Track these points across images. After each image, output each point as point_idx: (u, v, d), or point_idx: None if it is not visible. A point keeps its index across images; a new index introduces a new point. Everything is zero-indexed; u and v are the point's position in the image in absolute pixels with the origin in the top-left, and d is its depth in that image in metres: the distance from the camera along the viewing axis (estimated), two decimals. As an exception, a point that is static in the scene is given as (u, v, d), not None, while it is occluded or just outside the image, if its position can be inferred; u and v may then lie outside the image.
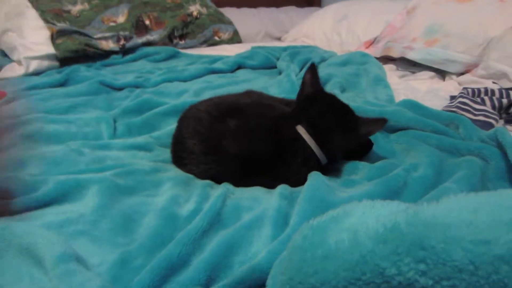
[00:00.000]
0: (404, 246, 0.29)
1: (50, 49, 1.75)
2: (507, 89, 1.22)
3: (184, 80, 1.60)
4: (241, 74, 1.73)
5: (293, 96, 1.27)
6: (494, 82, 1.34)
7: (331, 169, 0.85)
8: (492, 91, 1.22)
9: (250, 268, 0.51)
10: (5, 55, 1.82)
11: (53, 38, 1.77)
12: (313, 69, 0.86)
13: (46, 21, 1.82)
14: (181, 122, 0.90)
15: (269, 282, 0.41)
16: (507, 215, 0.28)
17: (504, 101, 1.14)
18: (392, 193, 0.74)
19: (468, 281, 0.26)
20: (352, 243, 0.31)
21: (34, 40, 1.74)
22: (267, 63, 1.82)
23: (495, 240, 0.27)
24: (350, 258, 0.30)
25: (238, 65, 1.80)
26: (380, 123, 0.82)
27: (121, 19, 2.06)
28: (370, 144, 0.93)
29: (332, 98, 0.86)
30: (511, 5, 1.44)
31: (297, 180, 0.77)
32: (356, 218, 0.33)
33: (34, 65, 1.69)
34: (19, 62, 1.70)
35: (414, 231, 0.29)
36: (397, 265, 0.28)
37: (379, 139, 1.02)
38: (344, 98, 1.26)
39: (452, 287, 0.27)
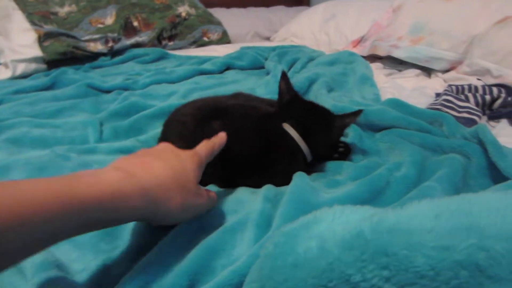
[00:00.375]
0: (368, 253, 0.29)
1: (37, 52, 1.74)
2: (490, 86, 1.23)
3: (173, 81, 1.60)
4: (230, 75, 1.73)
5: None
6: (478, 79, 1.35)
7: (315, 168, 0.86)
8: (476, 88, 1.23)
9: (231, 273, 0.51)
10: (-9, 58, 1.81)
11: (40, 40, 1.76)
12: (285, 77, 0.89)
13: (33, 23, 1.81)
14: (166, 126, 0.91)
15: None
16: (466, 220, 0.28)
17: (487, 97, 1.15)
18: (375, 193, 0.75)
19: (429, 287, 0.27)
20: (320, 250, 0.31)
21: (21, 43, 1.74)
22: (256, 64, 1.83)
23: (455, 246, 0.27)
24: (317, 265, 0.31)
25: (226, 66, 1.80)
26: (354, 114, 0.85)
27: (109, 20, 2.05)
28: (348, 150, 0.94)
29: (309, 102, 0.90)
30: (494, 2, 1.45)
31: (284, 178, 0.77)
32: (325, 224, 0.34)
33: (21, 68, 1.68)
34: (6, 65, 1.69)
35: (378, 238, 0.30)
36: (362, 272, 0.29)
37: (364, 138, 1.03)
38: (331, 97, 1.28)
39: (414, 293, 0.27)
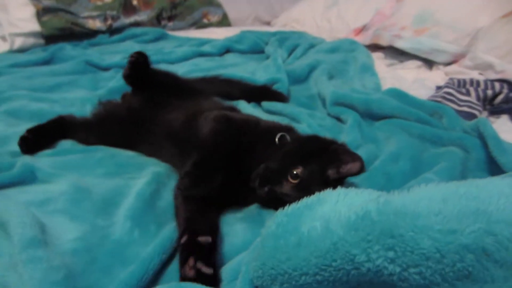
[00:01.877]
0: (374, 234, 0.29)
1: (35, 26, 1.71)
2: (492, 81, 1.23)
3: (172, 62, 1.58)
4: (229, 58, 1.71)
5: (278, 79, 1.27)
6: (480, 73, 1.35)
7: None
8: (478, 82, 1.22)
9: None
10: (-11, 30, 1.78)
11: (39, 15, 1.73)
12: None
13: (31, -3, 1.77)
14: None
15: (242, 269, 0.41)
16: (473, 205, 0.28)
17: (489, 92, 1.15)
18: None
19: (434, 269, 0.27)
20: (324, 230, 0.31)
21: (20, 17, 1.70)
22: (256, 48, 1.81)
23: (462, 229, 0.27)
24: (321, 245, 0.31)
25: (226, 49, 1.79)
26: None
27: (108, -2, 2.01)
28: None
29: None
30: (500, -5, 1.44)
31: None
32: (329, 206, 0.33)
33: (19, 42, 1.66)
34: (3, 38, 1.67)
35: (384, 220, 0.29)
36: (367, 252, 0.29)
37: (362, 126, 1.03)
38: (332, 85, 1.27)
39: (418, 275, 0.27)
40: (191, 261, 0.50)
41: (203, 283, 0.47)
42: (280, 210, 0.36)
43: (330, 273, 0.30)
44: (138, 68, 0.91)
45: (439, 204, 0.29)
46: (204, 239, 0.54)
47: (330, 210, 0.33)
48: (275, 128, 0.78)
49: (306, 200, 0.36)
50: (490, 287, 0.26)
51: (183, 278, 0.49)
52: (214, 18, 2.36)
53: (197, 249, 0.52)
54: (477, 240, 0.27)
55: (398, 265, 0.28)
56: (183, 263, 0.51)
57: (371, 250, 0.29)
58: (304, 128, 1.00)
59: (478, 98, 1.15)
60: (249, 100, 1.18)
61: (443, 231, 0.28)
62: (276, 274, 0.33)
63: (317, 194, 0.36)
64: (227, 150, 0.68)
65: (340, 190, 0.36)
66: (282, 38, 1.89)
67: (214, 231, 0.59)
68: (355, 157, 0.62)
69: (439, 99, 1.14)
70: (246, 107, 1.12)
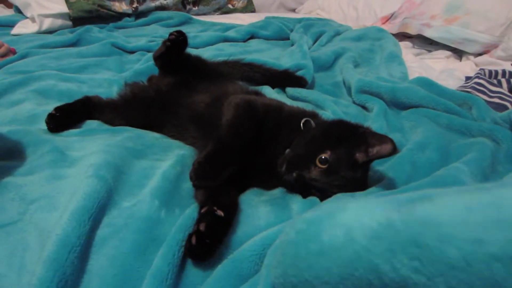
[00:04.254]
0: (398, 243, 0.29)
1: (63, 8, 1.74)
2: (526, 72, 1.19)
3: (196, 47, 1.58)
4: (254, 44, 1.70)
5: (303, 65, 1.25)
6: (512, 65, 1.30)
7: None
8: (510, 73, 1.18)
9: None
10: (19, 11, 1.81)
11: (66, -4, 1.75)
12: None
13: (59, -22, 1.79)
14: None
15: (262, 272, 0.42)
16: (500, 214, 0.28)
17: (522, 84, 1.11)
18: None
19: (460, 278, 0.27)
20: (346, 239, 0.31)
21: (48, -3, 1.73)
22: (281, 34, 1.79)
23: (488, 238, 0.27)
24: (343, 254, 0.31)
25: (251, 35, 1.77)
26: None
27: (135, -19, 2.02)
28: None
29: None
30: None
31: None
32: (350, 214, 0.33)
33: (47, 23, 1.69)
34: (32, 19, 1.70)
35: (408, 229, 0.29)
36: (390, 262, 0.29)
37: (388, 114, 1.01)
38: (357, 73, 1.25)
39: (444, 284, 0.27)
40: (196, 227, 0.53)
41: (201, 251, 0.51)
42: (298, 217, 0.36)
43: (352, 282, 0.30)
44: (177, 47, 0.92)
45: (464, 213, 0.28)
46: (219, 212, 0.56)
47: (351, 218, 0.32)
48: (300, 113, 0.78)
49: (325, 207, 0.36)
50: (518, 296, 0.26)
51: (185, 244, 0.52)
52: (239, 4, 2.34)
53: (211, 218, 0.55)
54: (504, 249, 0.26)
55: (423, 274, 0.28)
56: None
57: (395, 259, 0.29)
58: (328, 115, 0.99)
59: (510, 90, 1.12)
60: (270, 84, 1.18)
61: (469, 240, 0.27)
62: (297, 282, 0.33)
63: (336, 202, 0.36)
64: (245, 140, 0.69)
65: (360, 198, 0.35)
66: (308, 25, 1.87)
67: (231, 210, 0.60)
68: (385, 139, 0.61)
69: (469, 90, 1.11)
70: (270, 93, 1.12)
